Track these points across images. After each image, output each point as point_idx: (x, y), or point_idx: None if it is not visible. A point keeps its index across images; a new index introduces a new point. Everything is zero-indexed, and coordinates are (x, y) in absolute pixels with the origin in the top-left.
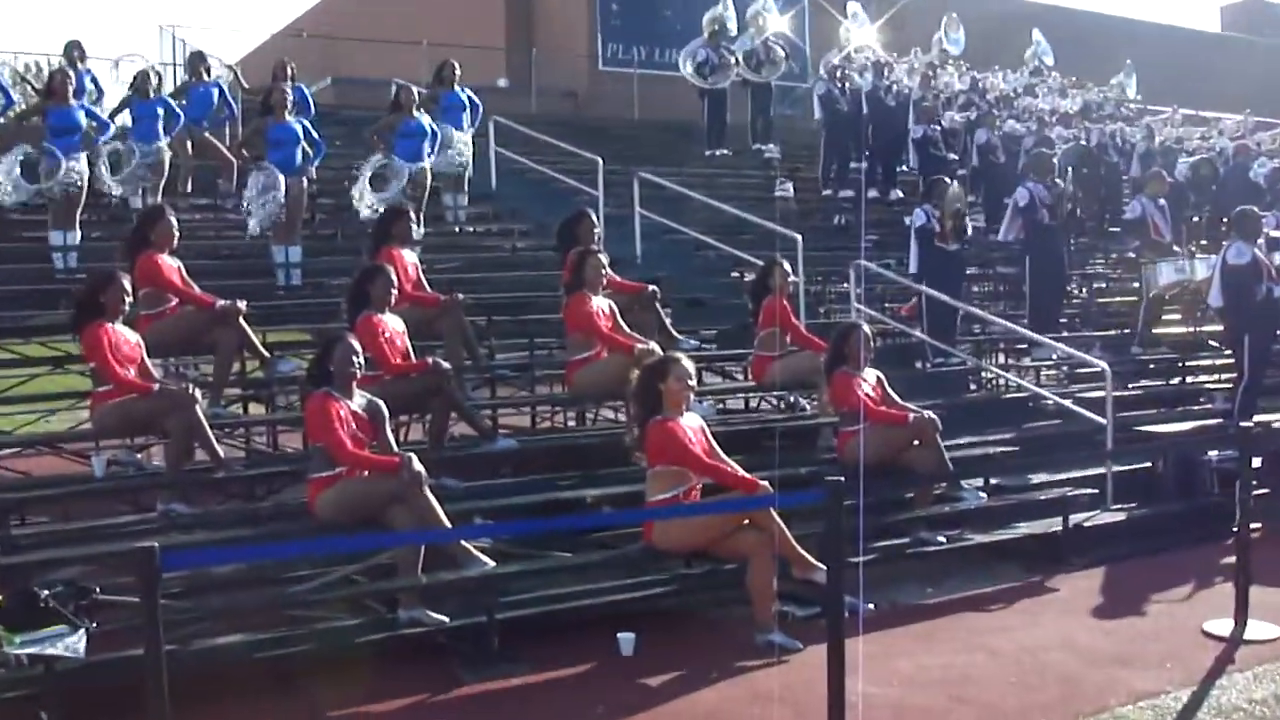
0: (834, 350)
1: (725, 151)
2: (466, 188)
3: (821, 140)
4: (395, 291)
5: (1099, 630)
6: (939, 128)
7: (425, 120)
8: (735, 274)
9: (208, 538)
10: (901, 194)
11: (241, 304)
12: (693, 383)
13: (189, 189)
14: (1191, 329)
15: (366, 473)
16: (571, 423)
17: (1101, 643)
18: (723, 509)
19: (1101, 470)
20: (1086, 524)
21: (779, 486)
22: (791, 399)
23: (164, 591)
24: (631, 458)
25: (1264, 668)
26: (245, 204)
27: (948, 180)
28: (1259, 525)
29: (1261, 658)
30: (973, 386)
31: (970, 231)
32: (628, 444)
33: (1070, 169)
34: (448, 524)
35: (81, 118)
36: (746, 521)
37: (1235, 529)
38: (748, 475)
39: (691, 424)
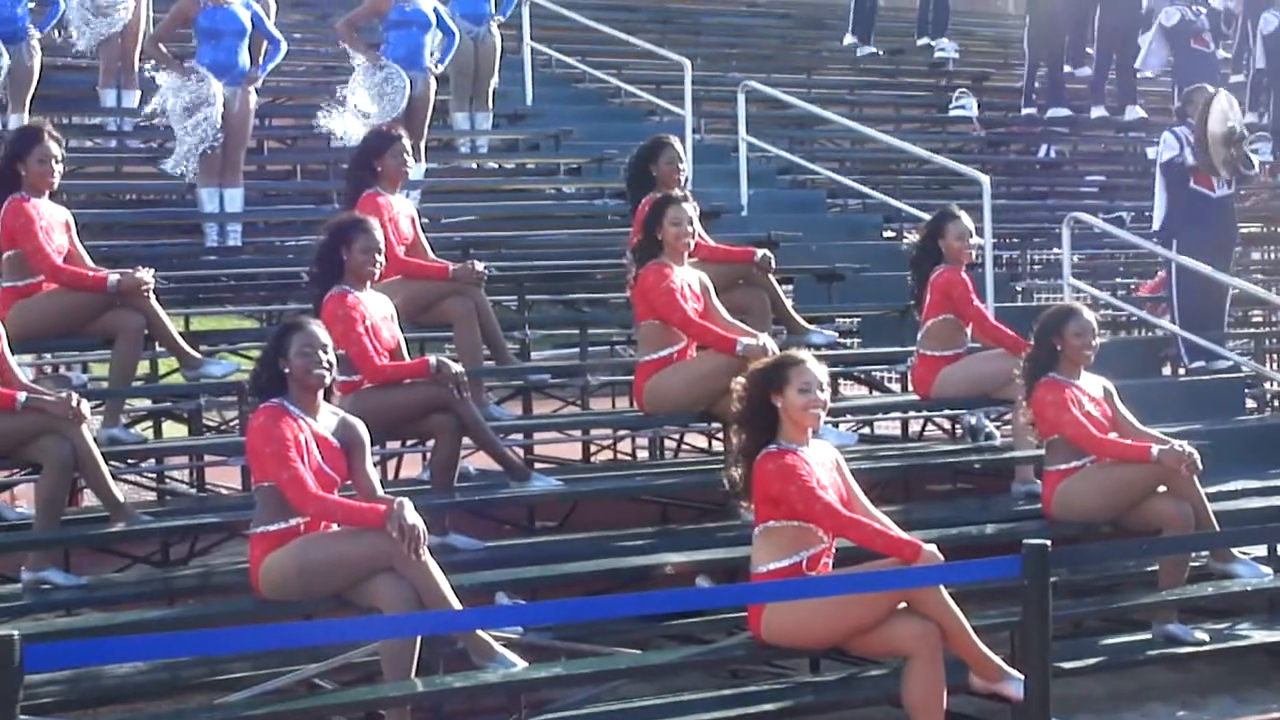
0: (1039, 348)
1: (875, 50)
2: (490, 104)
3: (1024, 33)
4: (382, 258)
5: None
6: (1204, 9)
7: (427, 4)
8: (890, 234)
9: (99, 622)
10: (1144, 112)
11: (148, 275)
12: (824, 395)
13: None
14: None
15: (337, 526)
16: (643, 454)
17: None
18: (868, 586)
19: None
20: None
21: (953, 553)
22: (973, 421)
23: (29, 702)
24: (733, 508)
25: None
26: (171, 124)
27: (1210, 89)
28: None
29: None
30: (1251, 405)
31: (1255, 168)
32: (726, 487)
33: None
34: (456, 604)
35: (246, 17)
36: (903, 605)
37: None
38: (905, 536)
39: (822, 458)
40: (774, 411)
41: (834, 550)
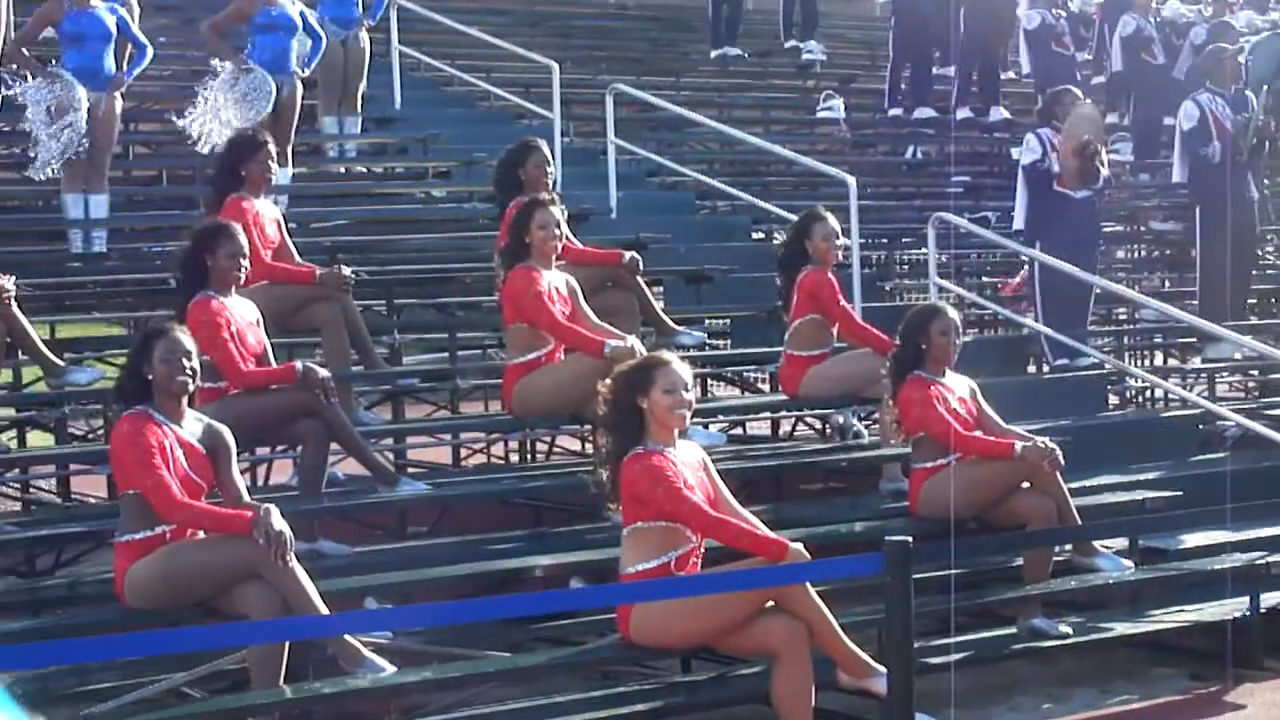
0: (904, 347)
1: (742, 52)
2: (358, 108)
3: (890, 36)
4: (246, 263)
5: None
6: (1064, 14)
7: (294, 7)
8: (758, 235)
9: None
10: (1008, 114)
11: (9, 283)
12: (690, 396)
13: None
14: None
15: (203, 533)
16: (514, 457)
17: None
18: (734, 585)
19: None
20: None
21: (822, 551)
22: (841, 420)
23: None
24: (602, 509)
25: None
26: (33, 132)
27: (1076, 93)
28: None
29: None
30: (1114, 401)
31: (1099, 181)
32: (594, 489)
33: (1264, 77)
34: (324, 610)
35: (111, 22)
36: (771, 604)
37: None
38: (772, 534)
39: (689, 458)
40: (640, 413)
41: (703, 550)
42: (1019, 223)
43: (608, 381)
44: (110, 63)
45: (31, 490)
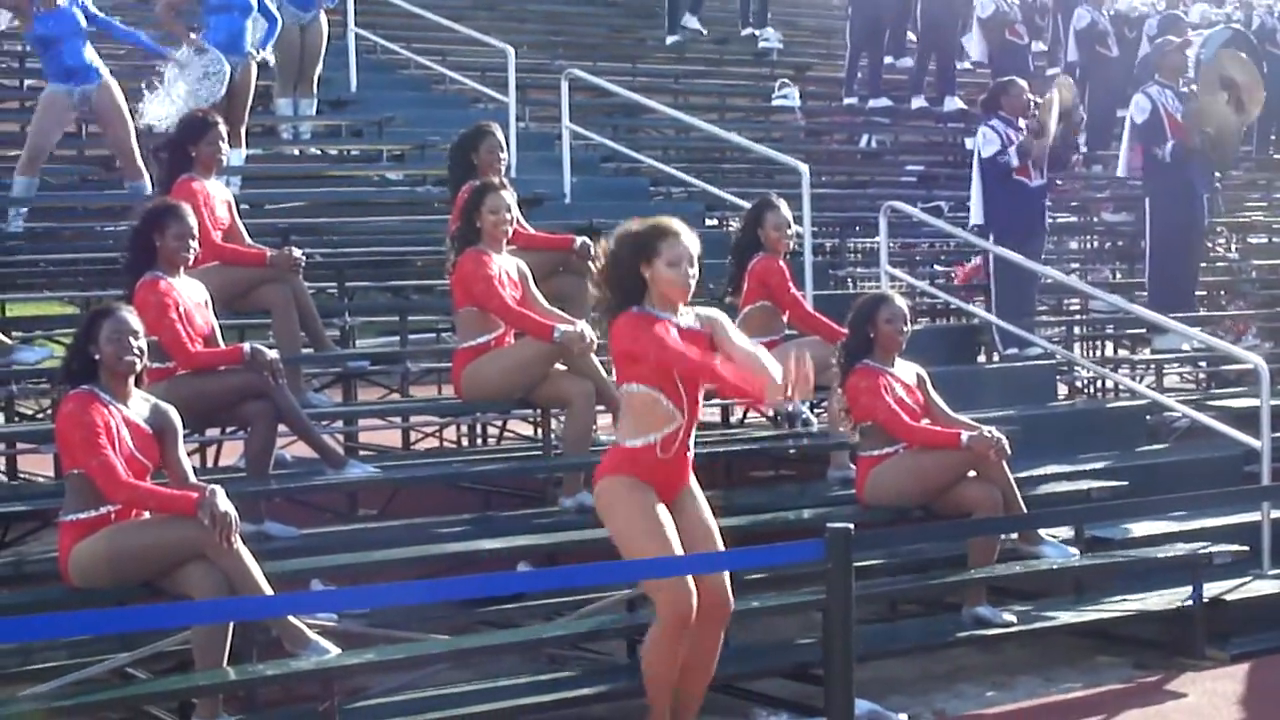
0: (853, 335)
1: (699, 30)
2: (314, 90)
3: (847, 25)
4: (195, 244)
5: None
6: (1017, 1)
7: None
8: (711, 221)
9: None
10: (963, 103)
11: None
12: (694, 271)
13: None
14: None
15: (148, 514)
16: (464, 441)
17: None
18: (662, 572)
19: (1255, 517)
20: (1230, 597)
21: (768, 537)
22: (790, 407)
23: None
24: (552, 495)
25: None
26: None
27: (1022, 83)
28: None
29: None
30: (1062, 391)
31: (1047, 161)
32: (543, 475)
33: None
34: (269, 591)
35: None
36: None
37: None
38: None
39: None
40: (641, 281)
41: (692, 433)
42: (977, 216)
43: (609, 243)
44: (90, 55)
45: None
